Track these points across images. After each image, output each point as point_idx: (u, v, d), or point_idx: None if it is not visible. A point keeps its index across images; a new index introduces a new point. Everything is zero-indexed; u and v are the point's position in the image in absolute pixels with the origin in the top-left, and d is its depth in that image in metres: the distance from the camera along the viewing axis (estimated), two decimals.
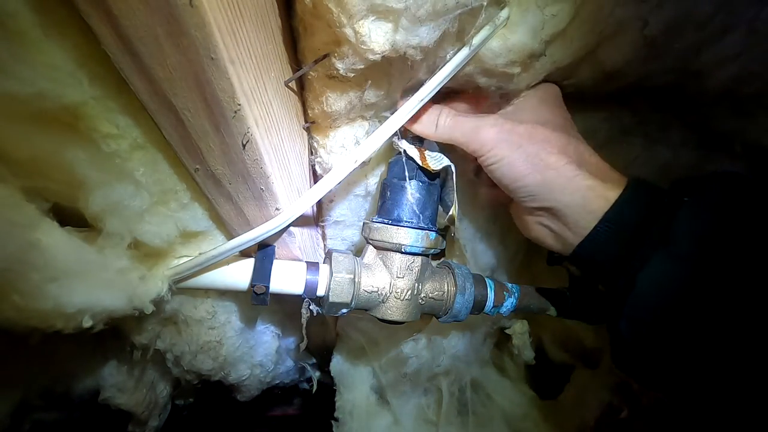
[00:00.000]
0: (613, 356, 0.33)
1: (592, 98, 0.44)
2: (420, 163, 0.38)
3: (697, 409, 0.30)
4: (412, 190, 0.38)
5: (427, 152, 0.38)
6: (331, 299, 0.37)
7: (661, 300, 0.29)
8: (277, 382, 0.70)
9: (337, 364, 0.66)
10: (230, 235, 0.39)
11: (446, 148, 0.41)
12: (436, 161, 0.38)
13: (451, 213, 0.37)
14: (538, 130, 0.34)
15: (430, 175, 0.39)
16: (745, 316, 0.26)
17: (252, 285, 0.37)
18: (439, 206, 0.41)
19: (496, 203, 0.43)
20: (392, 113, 0.34)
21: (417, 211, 0.39)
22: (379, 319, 0.40)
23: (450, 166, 0.38)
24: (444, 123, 0.36)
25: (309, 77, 0.33)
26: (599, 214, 0.32)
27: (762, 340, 0.26)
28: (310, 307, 0.41)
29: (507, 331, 0.62)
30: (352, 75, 0.30)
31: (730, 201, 0.29)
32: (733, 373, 0.27)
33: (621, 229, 0.31)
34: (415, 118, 0.36)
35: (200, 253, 0.36)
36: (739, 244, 0.27)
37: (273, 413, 0.94)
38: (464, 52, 0.31)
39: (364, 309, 0.40)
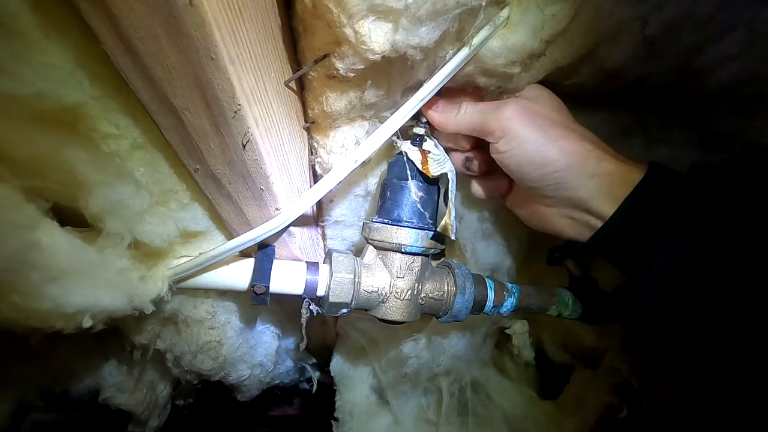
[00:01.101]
0: (625, 338, 0.33)
1: (592, 98, 0.44)
2: (420, 167, 0.38)
3: (705, 394, 0.30)
4: (412, 191, 0.38)
5: (430, 154, 0.38)
6: (331, 299, 0.37)
7: (676, 284, 0.29)
8: (277, 382, 0.70)
9: (337, 364, 0.66)
10: (230, 235, 0.39)
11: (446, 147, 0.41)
12: (438, 164, 0.38)
13: (444, 222, 0.36)
14: (557, 115, 0.34)
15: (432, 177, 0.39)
16: (758, 302, 0.26)
17: (252, 285, 0.37)
18: (439, 207, 0.41)
19: (490, 196, 0.42)
20: (392, 113, 0.34)
21: (417, 211, 0.39)
22: (379, 319, 0.40)
23: (450, 172, 0.38)
24: (465, 111, 0.35)
25: (309, 77, 0.33)
26: (621, 199, 0.31)
27: None
28: (310, 307, 0.41)
29: (507, 331, 0.62)
30: (352, 75, 0.30)
31: (745, 188, 0.29)
32: (745, 360, 0.27)
33: (641, 214, 0.31)
34: (430, 105, 0.35)
35: (200, 253, 0.36)
36: (753, 230, 0.27)
37: (273, 413, 0.94)
38: (464, 52, 0.31)
39: (364, 309, 0.40)
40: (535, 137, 0.32)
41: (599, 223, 0.33)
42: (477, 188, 0.42)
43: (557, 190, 0.33)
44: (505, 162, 0.34)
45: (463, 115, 0.35)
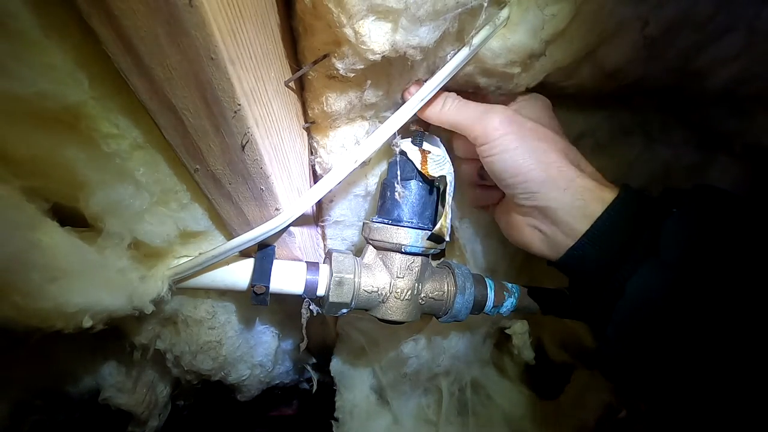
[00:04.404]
0: (598, 361, 0.33)
1: (593, 98, 0.44)
2: (419, 167, 0.38)
3: (680, 416, 0.30)
4: (412, 191, 0.38)
5: (429, 155, 0.38)
6: (331, 299, 0.37)
7: (649, 307, 0.29)
8: (277, 382, 0.70)
9: (337, 364, 0.66)
10: (230, 235, 0.39)
11: (447, 144, 0.41)
12: (438, 165, 0.38)
13: (439, 224, 0.36)
14: (542, 128, 0.34)
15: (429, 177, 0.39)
16: (729, 323, 0.26)
17: (252, 285, 0.37)
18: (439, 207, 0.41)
19: (480, 204, 0.43)
20: (392, 113, 0.34)
21: (417, 211, 0.39)
22: (379, 319, 0.40)
23: (449, 174, 0.38)
24: (450, 106, 0.35)
25: (309, 77, 0.33)
26: (593, 218, 0.32)
27: (745, 347, 0.26)
28: (310, 307, 0.41)
29: (507, 331, 0.62)
30: (352, 75, 0.30)
31: (715, 214, 0.29)
32: (717, 380, 0.27)
33: (612, 235, 0.31)
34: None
35: (200, 253, 0.36)
36: (723, 254, 0.28)
37: (273, 413, 0.94)
38: (464, 52, 0.31)
39: (364, 309, 0.40)
40: (515, 146, 0.33)
41: (568, 241, 0.33)
42: (472, 196, 0.42)
43: (529, 200, 0.34)
44: (488, 166, 0.35)
45: (447, 111, 0.35)
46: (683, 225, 0.29)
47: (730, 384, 0.27)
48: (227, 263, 0.38)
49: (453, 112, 0.35)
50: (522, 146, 0.33)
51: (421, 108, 0.36)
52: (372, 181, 0.44)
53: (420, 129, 0.39)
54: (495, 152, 0.33)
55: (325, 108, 0.34)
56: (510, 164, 0.33)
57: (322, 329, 0.65)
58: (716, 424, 0.28)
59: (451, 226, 0.41)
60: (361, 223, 0.43)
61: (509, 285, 0.44)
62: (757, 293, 0.26)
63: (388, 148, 0.40)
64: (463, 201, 0.48)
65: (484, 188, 0.41)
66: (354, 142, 0.38)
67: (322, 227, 0.46)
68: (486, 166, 0.35)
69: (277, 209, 0.34)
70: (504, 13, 0.31)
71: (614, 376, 0.33)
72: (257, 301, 0.37)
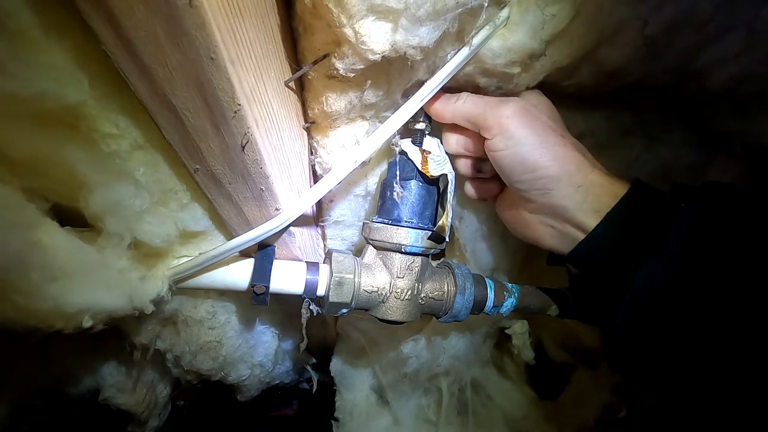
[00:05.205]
0: (606, 354, 0.33)
1: (593, 98, 0.44)
2: (420, 166, 0.38)
3: (687, 408, 0.30)
4: (412, 191, 0.38)
5: (430, 154, 0.38)
6: (331, 299, 0.37)
7: (657, 298, 0.29)
8: (277, 382, 0.70)
9: (337, 364, 0.66)
10: (230, 235, 0.39)
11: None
12: (438, 165, 0.38)
13: (440, 222, 0.36)
14: (553, 124, 0.34)
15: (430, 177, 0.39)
16: (736, 313, 0.26)
17: (252, 285, 0.37)
18: (439, 207, 0.41)
19: (482, 197, 0.42)
20: (392, 112, 0.34)
21: (417, 211, 0.39)
22: (379, 319, 0.40)
23: (450, 173, 0.38)
24: (464, 101, 0.35)
25: (309, 77, 0.33)
26: (604, 212, 0.32)
27: (752, 337, 0.26)
28: (310, 307, 0.41)
29: (507, 331, 0.62)
30: (352, 75, 0.30)
31: (723, 209, 0.29)
32: (726, 372, 0.27)
33: (622, 229, 0.31)
34: (433, 98, 0.35)
35: (200, 253, 0.36)
36: (730, 246, 0.28)
37: (273, 413, 0.94)
38: (464, 52, 0.31)
39: (364, 309, 0.40)
40: (532, 140, 0.32)
41: (580, 235, 0.33)
42: (470, 188, 0.42)
43: (543, 196, 0.33)
44: (497, 161, 0.34)
45: (462, 104, 0.35)
46: (692, 219, 0.29)
47: (736, 376, 0.27)
48: (227, 263, 0.38)
49: (467, 105, 0.35)
50: (538, 140, 0.32)
51: (435, 105, 0.36)
52: (372, 181, 0.44)
53: (420, 128, 0.39)
54: (510, 144, 0.32)
55: (325, 108, 0.34)
56: (527, 158, 0.32)
57: (322, 329, 0.65)
58: (723, 416, 0.28)
59: (451, 226, 0.40)
60: (361, 223, 0.43)
61: (509, 285, 0.44)
62: (764, 285, 0.26)
63: (388, 148, 0.40)
64: (463, 200, 0.48)
65: (481, 181, 0.41)
66: (354, 142, 0.38)
67: (322, 227, 0.46)
68: (496, 161, 0.34)
69: (277, 209, 0.34)
70: (504, 13, 0.31)
71: (622, 368, 0.33)
72: (257, 301, 0.37)
